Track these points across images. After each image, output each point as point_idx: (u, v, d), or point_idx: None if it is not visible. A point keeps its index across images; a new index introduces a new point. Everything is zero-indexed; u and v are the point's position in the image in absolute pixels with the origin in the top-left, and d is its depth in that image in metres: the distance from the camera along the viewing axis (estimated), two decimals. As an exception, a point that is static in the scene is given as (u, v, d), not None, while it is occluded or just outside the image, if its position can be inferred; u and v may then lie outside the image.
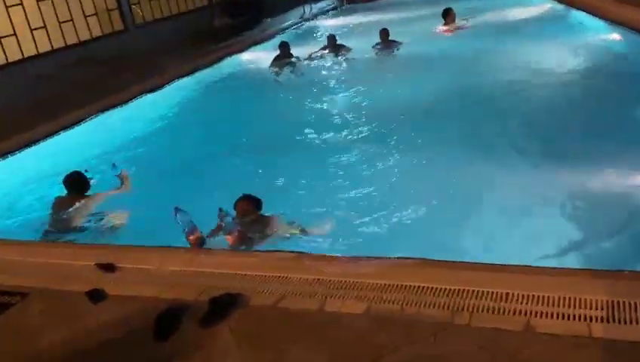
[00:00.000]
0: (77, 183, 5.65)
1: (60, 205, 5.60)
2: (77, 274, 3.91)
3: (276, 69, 11.06)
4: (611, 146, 5.54)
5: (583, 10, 11.30)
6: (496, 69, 9.17)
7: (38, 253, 4.39)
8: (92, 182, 5.76)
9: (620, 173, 5.11)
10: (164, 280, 3.68)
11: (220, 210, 3.95)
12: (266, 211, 4.66)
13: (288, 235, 4.38)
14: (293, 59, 11.25)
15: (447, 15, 11.98)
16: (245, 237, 4.05)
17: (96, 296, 3.57)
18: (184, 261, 3.90)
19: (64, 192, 5.69)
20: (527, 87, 8.07)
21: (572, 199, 4.83)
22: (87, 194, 5.68)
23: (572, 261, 3.96)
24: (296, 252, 4.10)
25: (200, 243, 3.97)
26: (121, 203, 5.61)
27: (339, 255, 3.84)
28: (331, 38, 11.84)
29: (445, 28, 11.99)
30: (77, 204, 5.55)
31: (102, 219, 5.42)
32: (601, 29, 10.10)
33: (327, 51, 11.55)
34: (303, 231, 4.48)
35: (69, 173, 5.72)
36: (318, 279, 3.44)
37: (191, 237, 3.95)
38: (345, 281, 3.38)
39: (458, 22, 12.07)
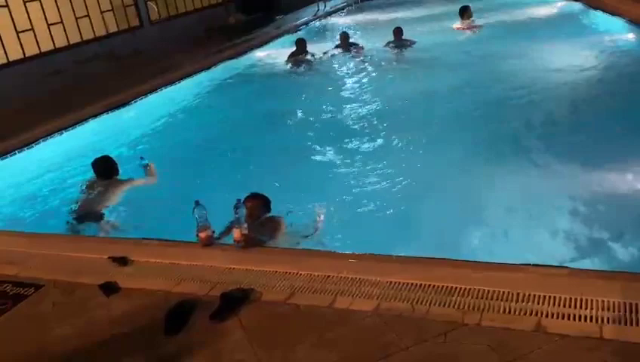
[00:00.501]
0: (105, 167, 5.74)
1: (90, 187, 5.70)
2: (91, 267, 3.95)
3: (291, 65, 11.08)
4: (630, 147, 5.49)
5: (602, 10, 11.21)
6: (510, 68, 9.12)
7: (52, 246, 4.44)
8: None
9: (637, 174, 5.06)
10: (175, 275, 3.70)
11: (238, 201, 3.92)
12: (274, 209, 4.61)
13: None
14: (308, 57, 11.26)
15: (464, 13, 11.90)
16: (250, 239, 3.98)
17: (109, 289, 3.61)
18: (196, 255, 3.92)
19: (93, 177, 5.81)
20: (542, 86, 8.02)
21: (586, 200, 4.79)
22: (118, 178, 5.77)
23: (584, 262, 3.93)
24: (308, 248, 4.12)
25: (208, 242, 3.97)
26: (139, 195, 5.70)
27: (349, 252, 3.84)
28: (344, 36, 11.83)
29: (462, 26, 11.92)
30: (104, 188, 5.64)
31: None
32: (620, 28, 10.01)
33: (340, 50, 11.54)
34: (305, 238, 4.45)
35: (97, 157, 5.82)
36: (329, 276, 3.45)
37: (201, 234, 3.95)
38: (355, 278, 3.38)
39: (473, 21, 11.99)
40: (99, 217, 5.40)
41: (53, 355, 3.14)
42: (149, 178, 5.85)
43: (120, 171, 5.84)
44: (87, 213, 5.43)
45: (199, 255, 3.93)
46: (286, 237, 4.39)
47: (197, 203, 3.87)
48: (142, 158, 5.93)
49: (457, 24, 12.02)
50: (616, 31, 10.16)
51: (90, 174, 5.84)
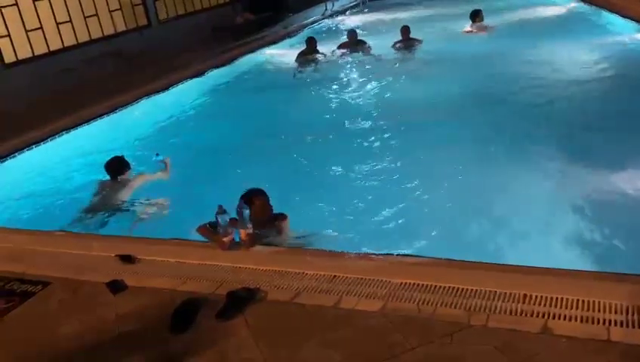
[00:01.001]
0: (117, 167, 5.79)
1: (103, 188, 5.75)
2: (97, 265, 3.96)
3: (300, 64, 11.08)
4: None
5: (611, 10, 11.14)
6: (518, 69, 9.08)
7: (59, 243, 4.46)
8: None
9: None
10: (182, 273, 3.71)
11: (241, 201, 3.90)
12: (282, 208, 4.60)
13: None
14: (318, 55, 11.25)
15: (476, 16, 11.82)
16: (255, 239, 3.96)
17: (115, 287, 3.62)
18: (203, 254, 3.93)
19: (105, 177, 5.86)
20: (550, 88, 7.98)
21: (595, 201, 4.76)
22: (130, 173, 5.83)
23: (591, 263, 3.91)
24: (314, 248, 4.11)
25: (230, 246, 3.94)
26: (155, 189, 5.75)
27: (356, 252, 3.83)
28: (352, 34, 11.81)
29: (471, 29, 11.85)
30: (118, 186, 5.69)
31: (142, 204, 5.54)
32: (629, 28, 9.94)
33: (347, 49, 11.52)
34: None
35: (109, 158, 5.87)
36: (335, 276, 3.44)
37: (225, 239, 3.92)
38: (361, 278, 3.38)
39: (484, 24, 11.89)
40: (113, 211, 5.45)
41: (59, 352, 3.16)
42: (162, 173, 5.88)
43: (131, 167, 5.88)
44: (100, 209, 5.47)
45: (205, 254, 3.93)
46: (290, 235, 4.37)
47: (222, 209, 3.82)
48: (157, 155, 5.98)
49: (467, 27, 11.94)
50: (625, 31, 10.09)
51: (102, 175, 5.88)
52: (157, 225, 5.07)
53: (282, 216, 4.41)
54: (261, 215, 4.21)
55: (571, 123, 6.69)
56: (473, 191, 5.23)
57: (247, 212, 3.87)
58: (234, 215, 3.88)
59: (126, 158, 5.91)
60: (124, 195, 5.64)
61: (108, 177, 5.83)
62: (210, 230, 4.09)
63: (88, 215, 5.43)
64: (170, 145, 7.47)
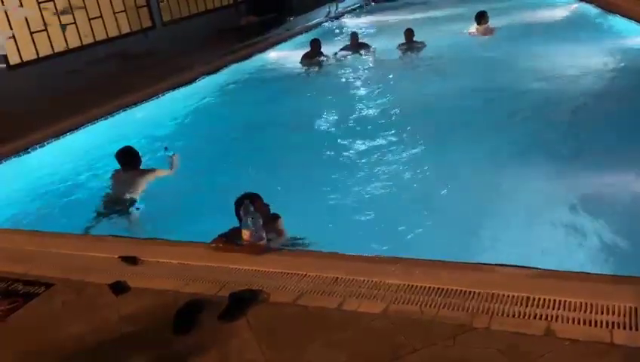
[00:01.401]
0: (129, 156, 5.80)
1: (114, 178, 5.78)
2: (101, 267, 3.97)
3: (304, 66, 11.09)
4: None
5: (617, 13, 11.11)
6: (522, 71, 9.07)
7: (63, 245, 4.47)
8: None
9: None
10: (185, 275, 3.72)
11: (246, 202, 3.91)
12: (286, 209, 4.59)
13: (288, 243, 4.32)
14: (322, 58, 11.26)
15: (481, 18, 11.79)
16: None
17: (119, 288, 3.63)
18: (205, 256, 3.93)
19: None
20: (555, 89, 7.97)
21: (599, 204, 4.76)
22: (142, 168, 5.85)
23: (595, 266, 3.90)
24: (316, 250, 4.11)
25: (265, 249, 3.93)
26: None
27: (358, 254, 3.83)
28: (354, 36, 11.82)
29: (476, 31, 11.83)
30: (128, 178, 5.71)
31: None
32: (635, 31, 9.92)
33: (349, 51, 11.53)
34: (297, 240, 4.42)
35: (120, 147, 5.89)
36: (337, 277, 3.44)
37: (262, 243, 3.91)
38: (364, 280, 3.37)
39: (488, 26, 11.87)
40: (124, 207, 5.45)
41: (62, 353, 3.16)
42: (169, 170, 5.90)
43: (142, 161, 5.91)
44: (113, 203, 5.48)
45: (208, 255, 3.94)
46: (287, 235, 4.38)
47: (251, 211, 3.82)
48: (166, 149, 5.98)
49: (472, 29, 11.91)
50: (631, 33, 10.07)
51: (106, 175, 5.89)
52: (158, 226, 5.09)
53: (276, 217, 4.43)
54: (263, 217, 4.22)
55: (574, 125, 6.69)
56: (475, 193, 5.23)
57: (255, 214, 3.89)
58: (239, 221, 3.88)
59: (136, 150, 5.90)
60: (136, 189, 5.62)
61: (116, 171, 5.82)
62: (231, 241, 4.05)
63: (97, 214, 5.44)
64: (172, 146, 7.47)
